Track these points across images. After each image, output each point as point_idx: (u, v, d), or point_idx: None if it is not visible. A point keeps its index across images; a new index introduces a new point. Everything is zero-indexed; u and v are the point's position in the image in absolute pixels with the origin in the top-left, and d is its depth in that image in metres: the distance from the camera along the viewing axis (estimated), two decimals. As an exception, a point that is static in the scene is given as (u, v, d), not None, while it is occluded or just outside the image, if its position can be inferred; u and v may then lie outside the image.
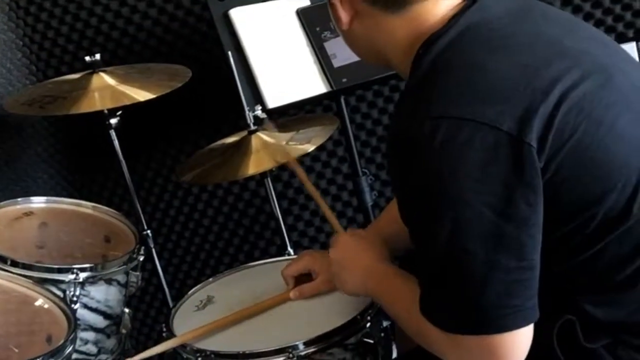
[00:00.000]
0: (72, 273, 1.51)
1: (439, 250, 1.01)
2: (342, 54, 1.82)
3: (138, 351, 1.39)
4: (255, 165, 1.71)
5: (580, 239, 1.03)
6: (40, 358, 1.22)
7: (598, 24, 2.03)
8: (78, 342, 1.47)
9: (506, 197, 0.97)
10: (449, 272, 1.02)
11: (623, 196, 1.02)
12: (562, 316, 1.08)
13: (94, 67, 1.85)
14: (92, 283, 1.56)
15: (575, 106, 1.00)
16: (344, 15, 1.14)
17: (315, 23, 1.85)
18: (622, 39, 2.01)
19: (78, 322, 1.45)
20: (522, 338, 1.02)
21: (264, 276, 1.59)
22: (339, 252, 1.34)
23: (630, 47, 1.86)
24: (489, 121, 0.97)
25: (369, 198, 1.96)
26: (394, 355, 1.48)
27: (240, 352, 1.32)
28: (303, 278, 1.47)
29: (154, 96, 1.76)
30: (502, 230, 0.98)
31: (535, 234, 1.00)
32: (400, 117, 1.05)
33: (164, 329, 1.45)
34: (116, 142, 1.90)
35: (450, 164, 0.97)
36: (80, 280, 1.52)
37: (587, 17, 2.03)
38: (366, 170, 1.97)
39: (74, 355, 1.41)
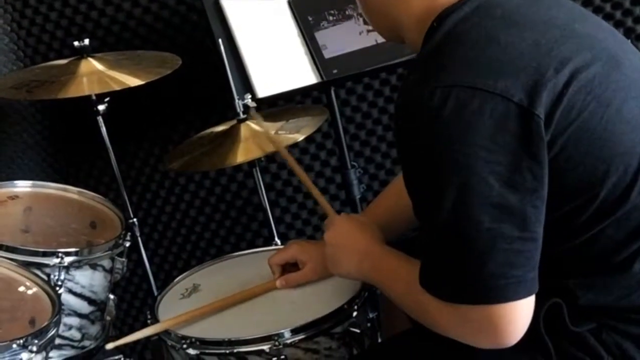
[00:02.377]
0: (57, 257, 1.50)
1: (443, 218, 1.01)
2: (333, 45, 1.82)
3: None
4: (243, 153, 1.71)
5: (579, 221, 1.04)
6: (24, 339, 1.20)
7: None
8: (62, 328, 1.47)
9: (513, 167, 0.98)
10: (452, 241, 1.02)
11: (623, 181, 1.03)
12: (550, 299, 1.08)
13: (83, 53, 1.83)
14: (77, 267, 1.54)
15: (584, 87, 1.01)
16: None
17: (306, 13, 1.85)
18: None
19: (62, 306, 1.43)
20: (523, 309, 1.02)
21: (250, 265, 1.58)
22: (334, 235, 1.33)
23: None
24: (500, 92, 0.98)
25: (357, 191, 1.96)
26: (380, 345, 1.48)
27: (226, 339, 1.32)
28: (289, 267, 1.46)
29: (142, 82, 1.75)
30: (507, 199, 0.98)
31: (539, 206, 1.01)
32: (412, 85, 1.06)
33: (149, 317, 1.45)
34: (104, 129, 1.89)
35: (460, 132, 0.98)
36: (65, 264, 1.51)
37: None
38: (355, 164, 1.97)
39: (57, 341, 1.40)
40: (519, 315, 1.02)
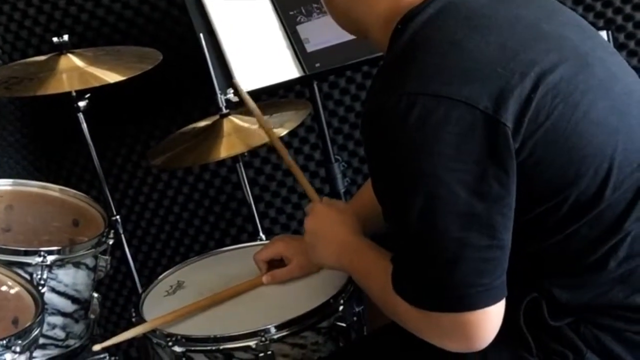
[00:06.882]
0: (40, 256, 1.49)
1: (411, 227, 1.01)
2: (315, 38, 1.81)
3: (106, 338, 1.37)
4: (227, 148, 1.70)
5: (552, 222, 1.04)
6: (6, 339, 1.19)
7: (569, 13, 2.04)
8: (45, 327, 1.45)
9: (479, 176, 0.98)
10: (420, 249, 1.02)
11: (595, 181, 1.03)
12: (529, 294, 1.09)
13: (62, 49, 1.81)
14: (60, 266, 1.53)
15: (552, 90, 1.00)
16: None
17: (288, 7, 1.84)
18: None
19: (45, 306, 1.42)
20: (492, 315, 1.03)
21: (235, 261, 1.58)
22: (314, 223, 1.33)
23: (601, 36, 1.87)
24: (465, 99, 0.97)
25: (341, 185, 1.96)
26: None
27: (212, 336, 1.31)
28: (275, 263, 1.46)
29: (123, 78, 1.73)
30: (474, 208, 0.98)
31: (507, 213, 1.01)
32: (377, 92, 1.05)
33: (134, 314, 1.44)
34: (84, 126, 1.87)
35: (426, 141, 0.97)
36: (48, 263, 1.49)
37: (559, 6, 2.04)
38: (339, 157, 1.97)
39: (41, 340, 1.39)
40: (488, 321, 1.03)
